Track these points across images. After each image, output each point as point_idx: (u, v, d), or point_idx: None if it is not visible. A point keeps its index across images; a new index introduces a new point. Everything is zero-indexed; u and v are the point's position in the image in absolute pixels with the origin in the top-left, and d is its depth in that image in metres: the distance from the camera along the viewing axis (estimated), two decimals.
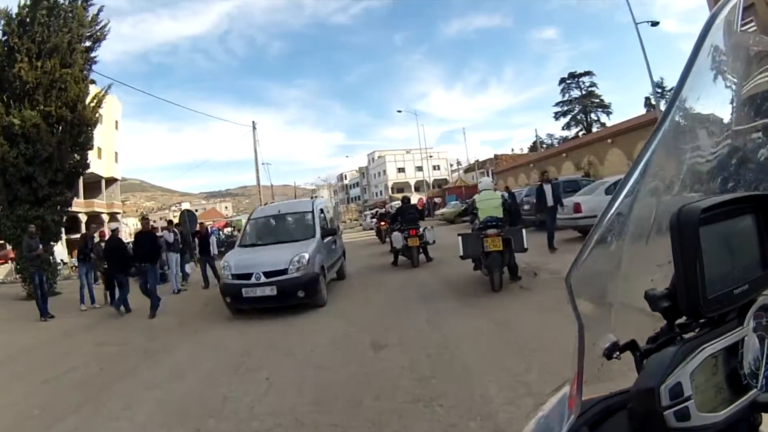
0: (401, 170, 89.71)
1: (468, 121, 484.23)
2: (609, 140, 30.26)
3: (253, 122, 40.73)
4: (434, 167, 77.58)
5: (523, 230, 8.95)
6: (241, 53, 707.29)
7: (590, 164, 31.64)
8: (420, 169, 71.21)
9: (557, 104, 69.73)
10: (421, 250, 14.33)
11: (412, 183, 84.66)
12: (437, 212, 42.12)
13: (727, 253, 0.90)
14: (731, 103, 1.03)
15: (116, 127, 53.36)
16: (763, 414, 0.93)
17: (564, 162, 36.26)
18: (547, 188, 13.88)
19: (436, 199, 51.44)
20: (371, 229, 38.62)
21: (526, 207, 18.84)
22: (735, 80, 1.01)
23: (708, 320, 0.91)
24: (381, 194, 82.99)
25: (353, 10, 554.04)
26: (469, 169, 67.54)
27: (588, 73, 67.53)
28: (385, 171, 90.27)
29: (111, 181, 52.45)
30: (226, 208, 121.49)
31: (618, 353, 0.94)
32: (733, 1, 0.91)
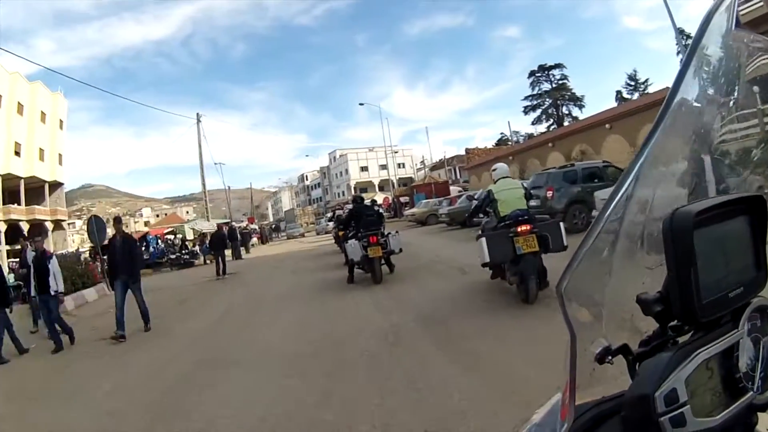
0: (364, 169, 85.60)
1: (430, 120, 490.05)
2: (607, 125, 26.86)
3: (198, 114, 38.06)
4: (399, 165, 73.82)
5: (561, 224, 7.29)
6: (205, 56, 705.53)
7: (583, 153, 28.34)
8: (384, 167, 67.84)
9: (527, 98, 66.66)
10: (383, 261, 11.45)
11: (376, 182, 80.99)
12: (407, 212, 38.42)
13: (722, 256, 0.90)
14: (725, 101, 1.03)
15: (61, 127, 49.39)
16: (759, 414, 0.92)
17: (550, 153, 32.82)
18: None
19: (403, 199, 47.12)
20: (327, 233, 35.85)
21: (533, 202, 15.17)
22: (730, 78, 1.02)
23: (703, 324, 0.89)
24: (344, 194, 78.89)
25: (316, 11, 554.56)
26: (435, 167, 65.34)
27: (559, 66, 65.66)
28: (347, 170, 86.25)
29: (55, 185, 47.75)
30: (187, 212, 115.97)
31: (610, 357, 0.92)
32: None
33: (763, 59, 1.02)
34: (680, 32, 26.71)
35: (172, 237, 37.00)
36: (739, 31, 0.97)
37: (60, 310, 12.24)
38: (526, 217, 7.12)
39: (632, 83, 59.97)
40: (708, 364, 0.85)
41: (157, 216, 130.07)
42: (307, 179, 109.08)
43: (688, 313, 0.86)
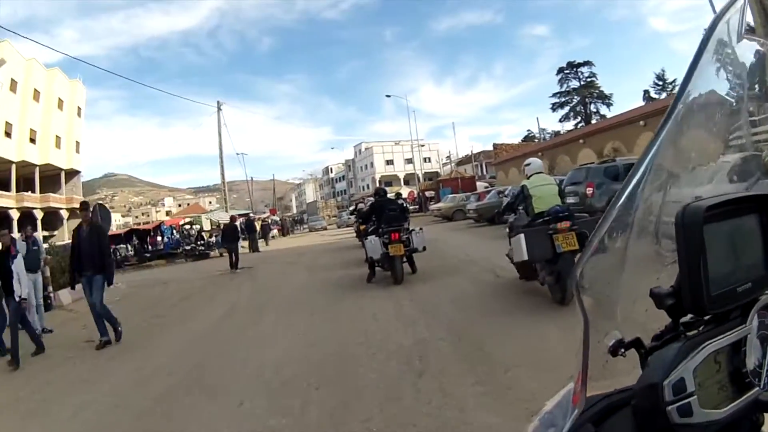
0: (390, 162, 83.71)
1: (457, 116, 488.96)
2: (641, 122, 25.28)
3: (218, 102, 37.36)
4: (425, 160, 72.28)
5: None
6: (231, 48, 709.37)
7: (615, 150, 26.83)
8: (410, 161, 66.52)
9: (554, 95, 66.05)
10: (405, 259, 10.33)
11: (401, 176, 79.66)
12: (432, 207, 37.03)
13: (731, 251, 0.92)
14: (735, 103, 1.05)
15: (79, 114, 48.46)
16: (765, 414, 0.94)
17: (581, 149, 31.35)
18: None
19: (429, 193, 45.75)
20: (349, 226, 34.71)
21: (570, 199, 14.13)
22: (739, 81, 1.04)
23: (712, 318, 0.92)
24: (368, 188, 76.95)
25: (344, 5, 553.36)
26: (462, 162, 64.04)
27: (587, 63, 65.09)
28: (372, 163, 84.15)
29: (72, 173, 46.84)
30: (210, 203, 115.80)
31: (623, 350, 0.94)
32: (737, 3, 0.93)
33: None
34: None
35: (188, 227, 35.80)
36: (749, 37, 0.98)
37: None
38: (566, 213, 6.65)
39: (660, 83, 59.55)
40: (716, 357, 0.86)
41: (180, 206, 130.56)
42: (331, 172, 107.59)
43: (697, 305, 0.87)
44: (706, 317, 0.93)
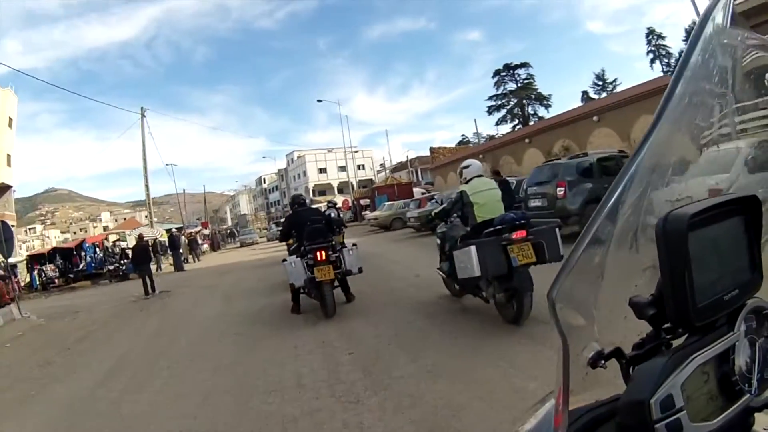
0: (323, 171, 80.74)
1: (390, 124, 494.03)
2: (595, 117, 23.82)
3: (142, 108, 35.72)
4: (359, 167, 69.98)
5: (557, 230, 6.02)
6: (168, 59, 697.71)
7: (566, 149, 25.17)
8: (343, 168, 64.18)
9: (491, 98, 65.36)
10: (336, 283, 8.36)
11: (335, 184, 76.36)
12: (368, 216, 34.58)
13: (716, 258, 0.90)
14: (722, 102, 1.03)
15: (9, 125, 43.35)
16: (756, 415, 0.92)
17: (527, 149, 29.85)
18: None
19: (364, 201, 43.69)
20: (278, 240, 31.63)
21: (535, 202, 12.93)
22: (726, 75, 1.01)
23: (698, 328, 0.89)
24: None
25: (279, 14, 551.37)
26: (396, 168, 62.33)
27: (524, 65, 64.70)
28: (305, 172, 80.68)
29: (3, 188, 41.29)
30: (146, 216, 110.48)
31: (603, 362, 0.92)
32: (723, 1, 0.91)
33: (757, 55, 1.03)
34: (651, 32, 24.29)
35: (111, 245, 32.87)
36: (735, 29, 0.96)
37: None
38: (522, 222, 5.86)
39: (600, 83, 60.16)
40: (704, 369, 0.85)
41: (116, 221, 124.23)
42: (264, 182, 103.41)
43: (682, 318, 0.85)
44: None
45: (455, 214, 6.81)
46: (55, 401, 6.09)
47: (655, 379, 0.81)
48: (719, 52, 0.96)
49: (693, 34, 0.88)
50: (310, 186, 74.45)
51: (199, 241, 38.55)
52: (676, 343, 0.91)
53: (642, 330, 0.94)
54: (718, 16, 0.91)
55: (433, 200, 22.72)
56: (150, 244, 22.81)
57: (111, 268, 26.84)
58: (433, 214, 7.52)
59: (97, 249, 31.01)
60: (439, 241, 7.37)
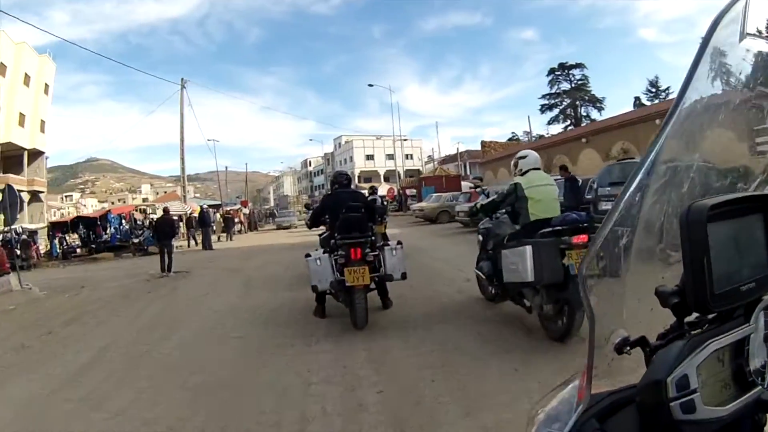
0: (370, 157, 78.06)
1: (440, 117, 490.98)
2: (657, 121, 21.72)
3: (182, 79, 34.20)
4: (407, 156, 67.79)
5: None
6: (219, 38, 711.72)
7: (625, 152, 23.78)
8: (391, 157, 62.34)
9: (544, 96, 63.91)
10: (373, 287, 6.57)
11: (382, 172, 74.60)
12: (413, 206, 32.76)
13: (735, 250, 0.93)
14: (738, 103, 1.05)
15: (46, 92, 44.72)
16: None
17: (583, 149, 28.55)
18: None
19: (410, 191, 41.85)
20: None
21: (605, 205, 11.76)
22: (741, 81, 1.04)
23: (716, 318, 0.94)
24: None
25: (334, 0, 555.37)
26: (445, 161, 60.51)
27: (579, 66, 62.97)
28: (351, 157, 77.90)
29: (36, 154, 43.10)
30: (187, 192, 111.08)
31: (628, 348, 0.96)
32: (739, 3, 0.93)
33: None
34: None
35: (142, 217, 31.57)
36: (751, 37, 0.97)
37: None
38: (585, 224, 5.08)
39: (653, 90, 58.06)
40: (719, 356, 0.87)
41: (157, 194, 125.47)
42: (310, 165, 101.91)
43: (700, 303, 0.87)
44: (711, 316, 0.93)
45: (503, 209, 6.09)
46: (9, 399, 5.12)
47: (673, 360, 0.83)
48: (733, 59, 0.97)
49: (703, 40, 0.89)
50: (356, 172, 71.69)
51: (236, 220, 37.30)
52: (695, 333, 0.92)
53: (667, 322, 0.95)
54: (732, 23, 0.91)
55: (484, 195, 20.99)
56: (177, 218, 21.91)
57: (135, 241, 25.63)
58: (478, 206, 6.59)
59: (123, 221, 29.72)
60: (480, 237, 6.67)
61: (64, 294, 12.37)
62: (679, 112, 0.91)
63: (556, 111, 62.94)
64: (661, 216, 1.00)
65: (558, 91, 62.93)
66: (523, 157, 6.11)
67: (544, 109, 63.98)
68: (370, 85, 72.38)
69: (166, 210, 17.46)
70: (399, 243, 6.74)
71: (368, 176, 70.06)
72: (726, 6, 0.91)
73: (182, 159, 33.22)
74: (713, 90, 0.97)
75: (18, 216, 13.36)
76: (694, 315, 0.94)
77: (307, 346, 5.72)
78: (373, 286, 6.57)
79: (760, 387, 0.90)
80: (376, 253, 6.49)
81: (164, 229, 15.17)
